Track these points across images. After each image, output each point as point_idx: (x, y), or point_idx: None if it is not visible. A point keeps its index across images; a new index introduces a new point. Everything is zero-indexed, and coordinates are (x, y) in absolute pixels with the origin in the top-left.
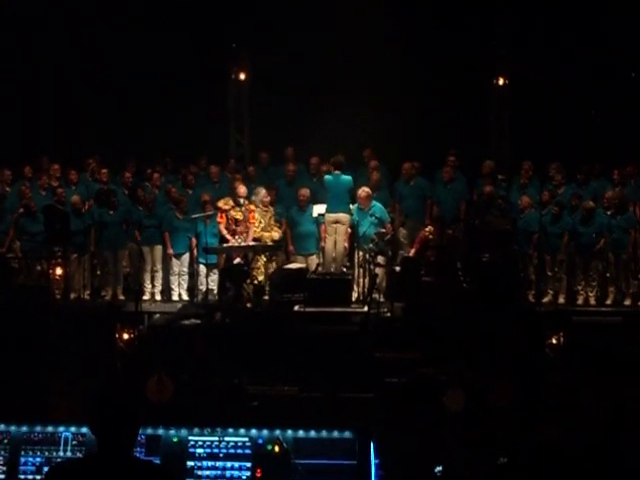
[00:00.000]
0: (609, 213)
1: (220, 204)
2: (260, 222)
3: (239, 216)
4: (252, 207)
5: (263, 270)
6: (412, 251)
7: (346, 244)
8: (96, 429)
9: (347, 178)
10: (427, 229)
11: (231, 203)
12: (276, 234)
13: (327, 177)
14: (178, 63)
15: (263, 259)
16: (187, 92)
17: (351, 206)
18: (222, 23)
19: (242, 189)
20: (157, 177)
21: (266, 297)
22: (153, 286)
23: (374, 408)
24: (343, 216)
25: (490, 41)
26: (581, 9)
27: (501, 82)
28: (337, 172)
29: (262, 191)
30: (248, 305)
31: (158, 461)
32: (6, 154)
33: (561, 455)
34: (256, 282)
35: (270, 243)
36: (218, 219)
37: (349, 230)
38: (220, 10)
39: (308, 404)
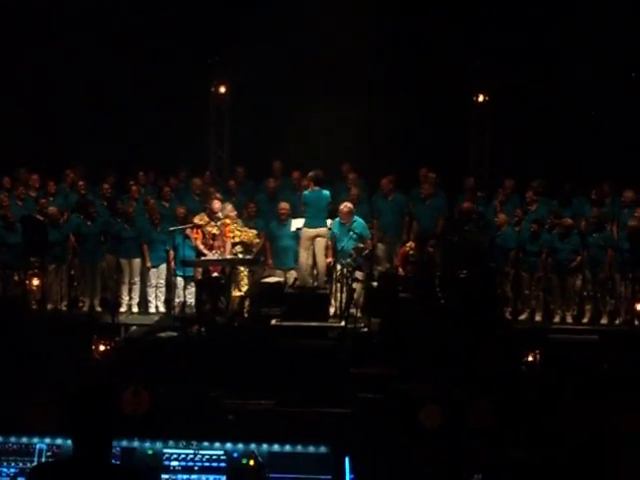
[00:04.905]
0: (587, 231)
1: (196, 220)
2: (237, 231)
3: (215, 231)
4: (227, 221)
5: (247, 281)
6: (399, 269)
7: (330, 258)
8: (72, 431)
9: (326, 193)
10: (408, 244)
11: (206, 219)
12: (255, 238)
13: (306, 193)
14: (159, 76)
15: (245, 270)
16: (168, 105)
17: (329, 221)
18: (203, 37)
19: (217, 204)
20: (135, 189)
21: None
22: (130, 298)
23: (349, 423)
24: (323, 230)
25: (471, 57)
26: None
27: (481, 99)
28: (316, 188)
29: (228, 206)
30: (224, 318)
31: None
32: None
33: (536, 473)
34: (239, 293)
35: (252, 240)
36: (194, 235)
37: (329, 244)
38: (201, 24)
39: (283, 418)
